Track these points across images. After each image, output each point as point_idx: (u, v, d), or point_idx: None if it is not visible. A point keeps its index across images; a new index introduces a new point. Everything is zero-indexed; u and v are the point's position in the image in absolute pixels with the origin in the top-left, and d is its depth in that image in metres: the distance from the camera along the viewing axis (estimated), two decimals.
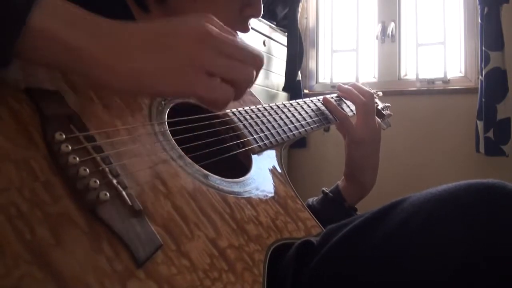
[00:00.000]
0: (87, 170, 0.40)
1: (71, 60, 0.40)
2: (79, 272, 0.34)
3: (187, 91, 0.43)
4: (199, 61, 0.42)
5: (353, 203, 0.83)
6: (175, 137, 0.55)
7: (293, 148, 2.43)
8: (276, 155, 0.70)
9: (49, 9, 0.39)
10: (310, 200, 0.84)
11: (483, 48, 2.02)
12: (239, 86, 0.46)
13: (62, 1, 0.40)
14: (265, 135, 0.68)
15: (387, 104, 1.04)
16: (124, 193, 0.41)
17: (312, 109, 0.83)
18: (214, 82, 0.43)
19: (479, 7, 2.04)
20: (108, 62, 0.41)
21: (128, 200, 0.41)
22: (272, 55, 2.29)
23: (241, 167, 0.64)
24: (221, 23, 0.46)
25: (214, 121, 0.64)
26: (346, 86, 0.90)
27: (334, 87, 2.53)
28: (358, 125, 0.83)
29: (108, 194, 0.39)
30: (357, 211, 0.82)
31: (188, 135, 0.56)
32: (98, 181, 0.39)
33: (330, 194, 0.82)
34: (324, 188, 0.84)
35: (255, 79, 0.47)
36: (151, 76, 0.41)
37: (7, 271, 0.31)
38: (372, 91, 0.97)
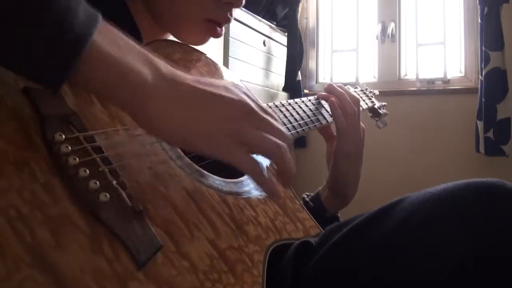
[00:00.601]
0: (87, 171, 0.39)
1: (124, 89, 0.40)
2: (80, 274, 0.34)
3: (223, 158, 0.45)
4: (241, 135, 0.45)
5: (334, 213, 0.82)
6: None
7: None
8: None
9: (107, 35, 0.39)
10: None
11: (483, 48, 2.01)
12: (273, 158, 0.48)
13: (116, 29, 0.41)
14: None
15: (383, 103, 1.04)
16: (124, 194, 0.41)
17: (310, 108, 0.83)
18: (247, 153, 0.46)
19: (479, 7, 2.04)
20: (166, 106, 0.42)
21: (128, 201, 0.41)
22: (272, 55, 2.29)
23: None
24: (256, 97, 0.50)
25: None
26: (338, 88, 0.83)
27: None
28: (347, 136, 0.79)
29: (108, 195, 0.39)
30: (339, 219, 0.80)
31: None
32: (98, 182, 0.39)
33: (311, 203, 0.81)
34: (305, 195, 0.83)
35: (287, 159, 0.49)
36: (198, 134, 0.43)
37: (8, 274, 0.31)
38: (369, 89, 0.98)
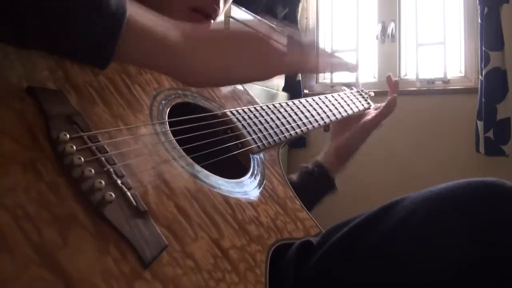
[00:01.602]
0: (92, 171, 0.40)
1: (163, 53, 0.45)
2: (87, 273, 0.34)
3: (266, 75, 0.54)
4: (266, 52, 0.53)
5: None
6: (176, 137, 0.55)
7: (293, 148, 2.42)
8: (275, 155, 0.71)
9: (136, 9, 0.43)
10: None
11: (483, 48, 2.02)
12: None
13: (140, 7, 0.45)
14: (264, 135, 0.69)
15: (378, 105, 1.05)
16: (129, 193, 0.41)
17: (308, 109, 0.84)
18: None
19: (479, 7, 2.04)
20: (200, 60, 0.48)
21: (133, 201, 0.41)
22: None
23: (240, 167, 0.65)
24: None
25: (214, 121, 0.65)
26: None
27: (334, 87, 2.54)
28: (375, 119, 0.94)
29: (113, 194, 0.39)
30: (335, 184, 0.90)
31: (188, 135, 0.57)
32: (103, 182, 0.39)
33: (316, 168, 0.89)
34: (305, 165, 0.90)
35: None
36: (239, 68, 0.51)
37: (18, 274, 0.31)
38: (365, 91, 1.05)
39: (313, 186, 0.87)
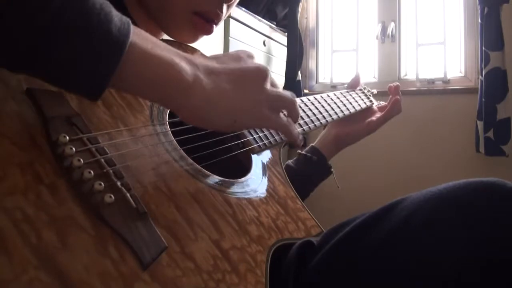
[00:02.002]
0: (92, 172, 0.40)
1: (167, 84, 0.41)
2: (85, 275, 0.34)
3: (267, 125, 0.54)
4: (267, 96, 0.50)
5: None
6: (176, 138, 0.55)
7: (293, 148, 2.42)
8: (276, 155, 0.71)
9: (141, 35, 0.40)
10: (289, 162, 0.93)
11: (483, 48, 2.01)
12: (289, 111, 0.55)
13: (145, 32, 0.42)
14: (265, 135, 0.69)
15: (381, 102, 1.06)
16: (128, 195, 0.41)
17: (310, 108, 0.84)
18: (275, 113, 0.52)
19: (479, 7, 2.04)
20: (208, 96, 0.44)
21: (133, 203, 0.41)
22: (272, 55, 2.29)
23: (241, 167, 0.65)
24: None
25: None
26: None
27: (334, 87, 2.54)
28: (380, 121, 0.97)
29: (112, 196, 0.39)
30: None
31: (189, 135, 0.57)
32: (102, 184, 0.39)
33: (314, 157, 0.92)
34: (301, 152, 0.94)
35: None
36: (242, 112, 0.48)
37: (16, 276, 0.31)
38: (367, 88, 1.06)
39: (313, 173, 0.92)
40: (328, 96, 0.92)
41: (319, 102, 0.87)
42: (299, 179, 0.80)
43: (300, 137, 0.58)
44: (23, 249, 0.32)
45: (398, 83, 1.02)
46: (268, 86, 0.51)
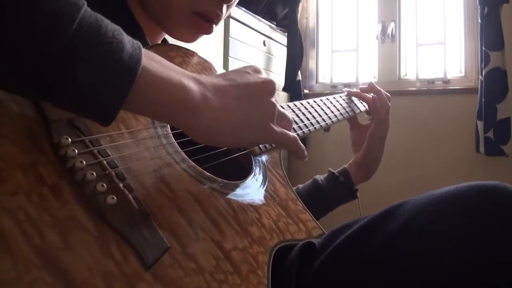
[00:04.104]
0: (94, 174, 0.40)
1: (177, 106, 0.42)
2: (88, 275, 0.34)
3: (274, 141, 0.53)
4: (274, 110, 0.50)
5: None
6: (177, 140, 0.55)
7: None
8: (276, 157, 0.71)
9: (151, 58, 0.41)
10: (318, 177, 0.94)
11: (483, 48, 2.02)
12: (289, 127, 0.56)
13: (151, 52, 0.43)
14: None
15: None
16: (130, 196, 0.41)
17: (310, 111, 0.84)
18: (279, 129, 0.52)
19: (479, 7, 2.04)
20: (216, 115, 0.45)
21: (135, 204, 0.41)
22: (272, 55, 2.29)
23: (242, 169, 0.65)
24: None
25: None
26: (376, 86, 0.98)
27: (334, 87, 2.54)
28: (383, 125, 0.94)
29: (115, 198, 0.39)
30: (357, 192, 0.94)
31: (189, 138, 0.57)
32: (105, 185, 0.40)
33: (341, 178, 0.92)
34: (331, 169, 0.94)
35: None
36: (250, 128, 0.48)
37: (19, 276, 0.31)
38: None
39: (336, 191, 0.92)
40: (327, 99, 0.93)
41: (318, 105, 0.88)
42: (325, 196, 0.88)
43: (305, 152, 0.58)
44: (26, 249, 0.32)
45: (370, 81, 1.01)
46: (274, 100, 0.51)
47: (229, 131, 0.46)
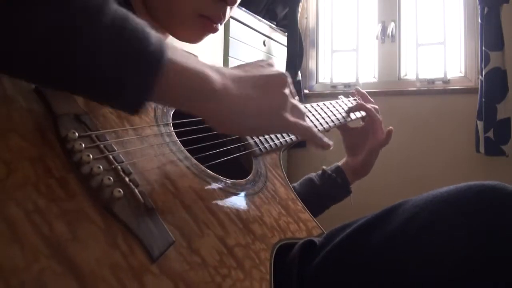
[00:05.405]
0: (101, 167, 0.40)
1: (201, 95, 0.44)
2: (96, 266, 0.34)
3: (288, 128, 0.54)
4: (289, 101, 0.53)
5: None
6: (180, 139, 0.56)
7: (293, 148, 2.43)
8: (276, 158, 0.72)
9: (174, 49, 0.43)
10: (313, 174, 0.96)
11: (483, 48, 2.02)
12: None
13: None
14: (265, 138, 0.70)
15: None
16: (136, 191, 0.42)
17: (309, 115, 0.85)
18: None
19: (479, 7, 2.04)
20: (236, 102, 0.47)
21: (141, 198, 0.42)
22: (272, 55, 2.30)
23: (242, 169, 0.65)
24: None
25: None
26: (370, 98, 1.04)
27: (334, 87, 2.54)
28: (382, 140, 0.99)
29: (121, 191, 0.40)
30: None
31: (191, 137, 0.57)
32: (111, 179, 0.40)
33: (339, 179, 0.95)
34: (327, 170, 0.96)
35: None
36: (268, 116, 0.51)
37: (27, 265, 0.31)
38: (361, 99, 1.07)
39: (336, 195, 0.94)
40: (325, 104, 0.94)
41: (320, 108, 0.90)
42: (320, 195, 0.90)
43: (325, 138, 0.59)
44: (34, 238, 0.33)
45: (357, 87, 1.05)
46: (288, 92, 0.54)
47: (247, 117, 0.49)
